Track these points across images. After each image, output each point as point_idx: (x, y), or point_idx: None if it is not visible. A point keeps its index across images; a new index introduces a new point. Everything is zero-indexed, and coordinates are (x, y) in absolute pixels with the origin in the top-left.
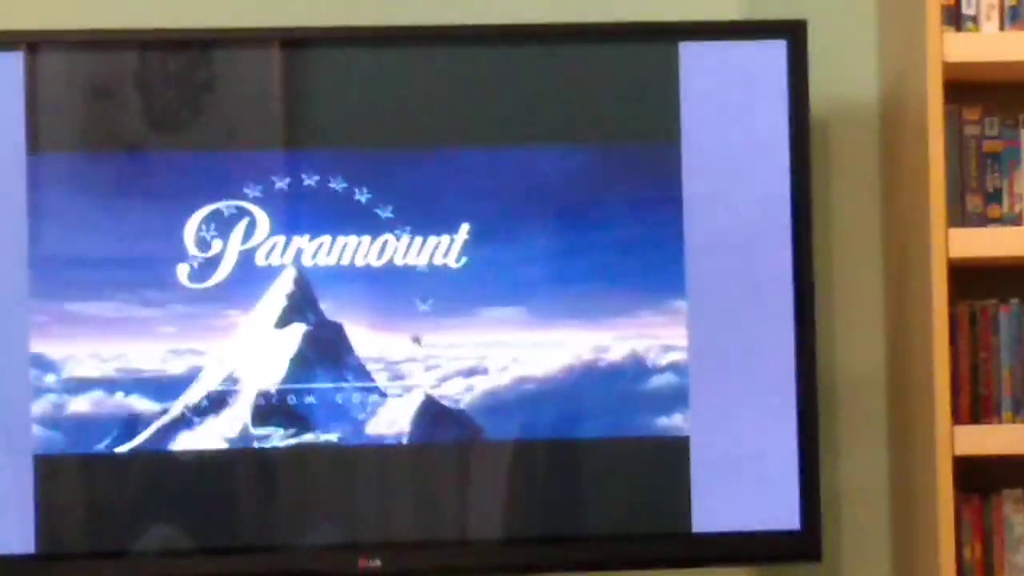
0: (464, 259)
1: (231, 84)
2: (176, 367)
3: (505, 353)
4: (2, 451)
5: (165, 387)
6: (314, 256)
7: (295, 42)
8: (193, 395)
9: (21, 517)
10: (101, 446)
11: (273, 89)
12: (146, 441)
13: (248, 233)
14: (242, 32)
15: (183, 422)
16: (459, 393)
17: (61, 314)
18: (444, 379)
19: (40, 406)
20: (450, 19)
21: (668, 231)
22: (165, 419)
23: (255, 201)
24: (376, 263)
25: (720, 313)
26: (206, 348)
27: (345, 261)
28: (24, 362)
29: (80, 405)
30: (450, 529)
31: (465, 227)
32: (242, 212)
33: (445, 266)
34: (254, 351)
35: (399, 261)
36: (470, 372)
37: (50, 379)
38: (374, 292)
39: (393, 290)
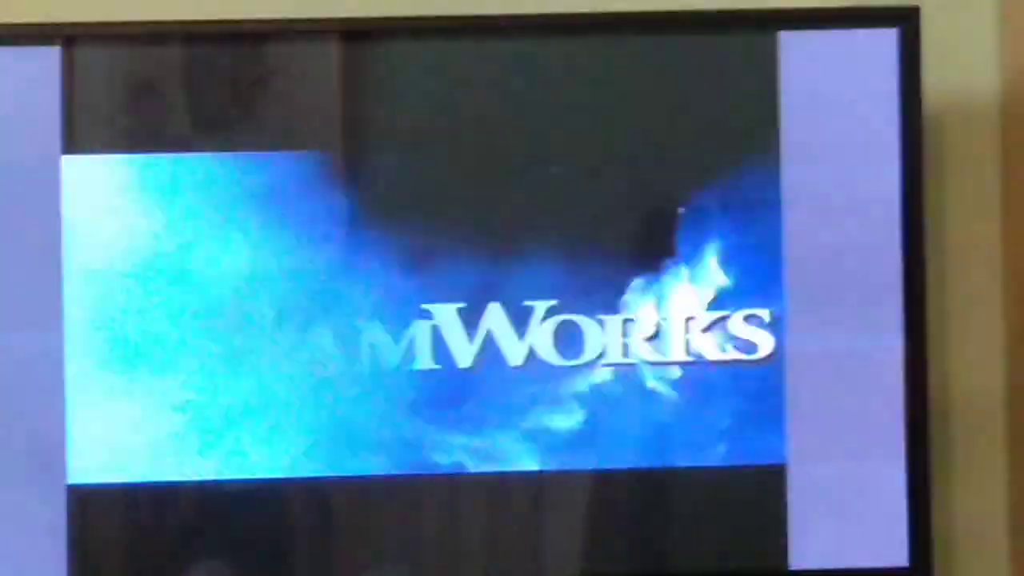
0: None
1: (286, 81)
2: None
3: None
4: (34, 481)
5: (215, 413)
6: None
7: (356, 34)
8: (244, 422)
9: (54, 552)
10: (141, 476)
11: (332, 86)
12: (192, 470)
13: None
14: (298, 24)
15: (234, 450)
16: None
17: (99, 330)
18: None
19: (76, 432)
20: (528, 8)
21: (766, 236)
22: (214, 446)
23: None
24: None
25: (821, 326)
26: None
27: None
28: (59, 384)
29: (119, 431)
30: (523, 567)
31: None
32: None
33: None
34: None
35: None
36: None
37: (87, 402)
38: None
39: None
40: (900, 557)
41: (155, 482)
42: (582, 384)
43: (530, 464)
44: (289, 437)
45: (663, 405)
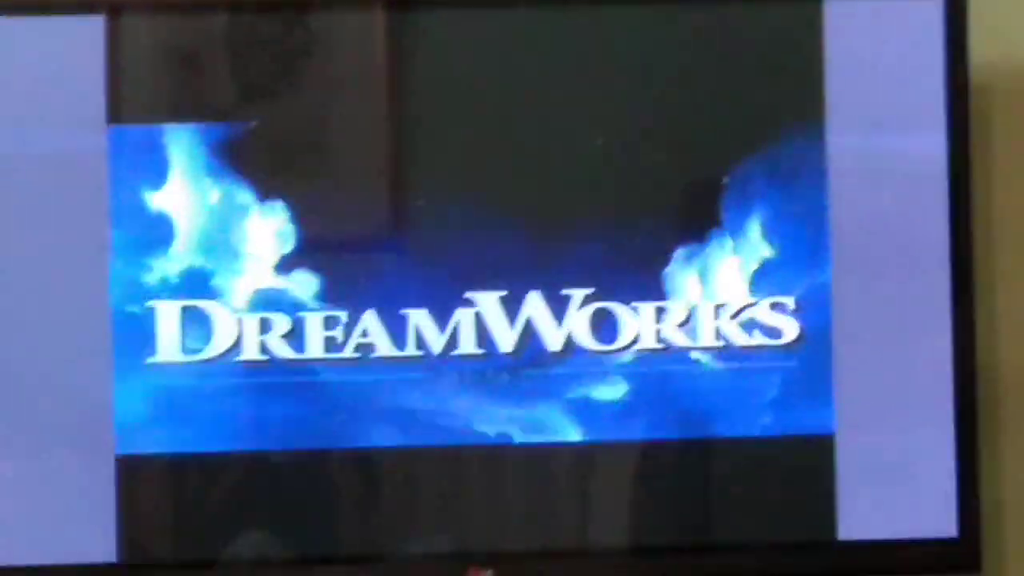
0: None
1: (331, 49)
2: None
3: None
4: (82, 450)
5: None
6: None
7: (400, 2)
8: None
9: (102, 523)
10: (191, 445)
11: (377, 55)
12: (241, 439)
13: None
14: None
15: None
16: None
17: (146, 296)
18: None
19: (123, 400)
20: None
21: (811, 206)
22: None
23: None
24: None
25: (868, 297)
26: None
27: None
28: (105, 352)
29: (169, 398)
30: (569, 537)
31: None
32: None
33: None
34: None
35: None
36: None
37: (134, 370)
38: None
39: None
40: (949, 528)
41: (203, 452)
42: (627, 356)
43: (575, 436)
44: (336, 410)
45: (709, 376)
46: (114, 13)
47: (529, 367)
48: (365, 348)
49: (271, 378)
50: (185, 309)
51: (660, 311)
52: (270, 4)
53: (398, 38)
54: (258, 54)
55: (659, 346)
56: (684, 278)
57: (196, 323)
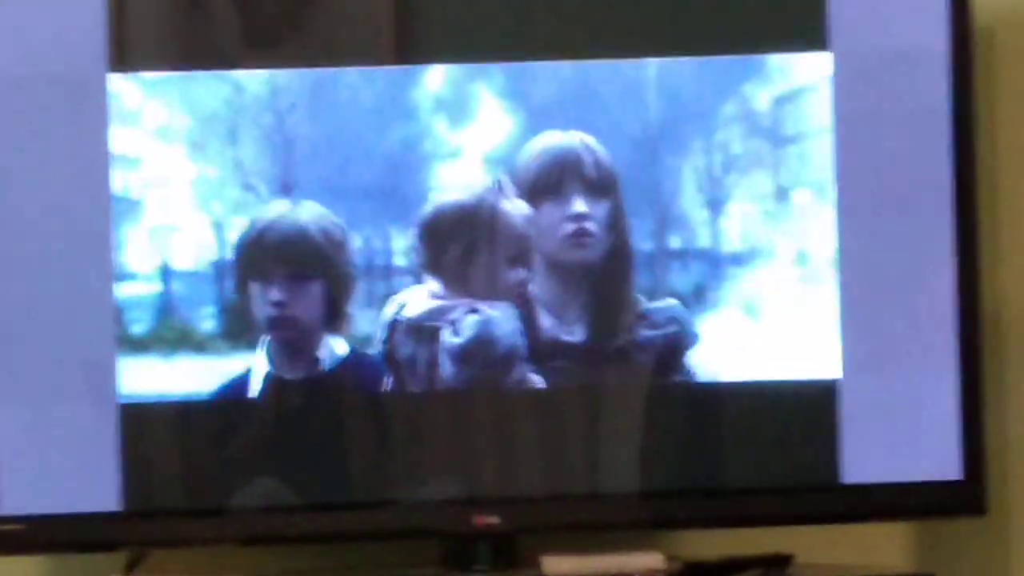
0: None
1: None
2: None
3: None
4: (83, 398)
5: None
6: None
7: None
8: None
9: (105, 471)
10: (194, 392)
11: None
12: (245, 387)
13: None
14: None
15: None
16: None
17: (149, 241)
18: None
19: (125, 346)
20: None
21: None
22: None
23: None
24: None
25: (872, 241)
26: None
27: None
28: (109, 301)
29: (171, 345)
30: (575, 482)
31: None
32: None
33: None
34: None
35: None
36: None
37: (137, 317)
38: None
39: None
40: (953, 470)
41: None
42: None
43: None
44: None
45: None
46: None
47: None
48: None
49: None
50: None
51: None
52: None
53: None
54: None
55: None
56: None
57: None
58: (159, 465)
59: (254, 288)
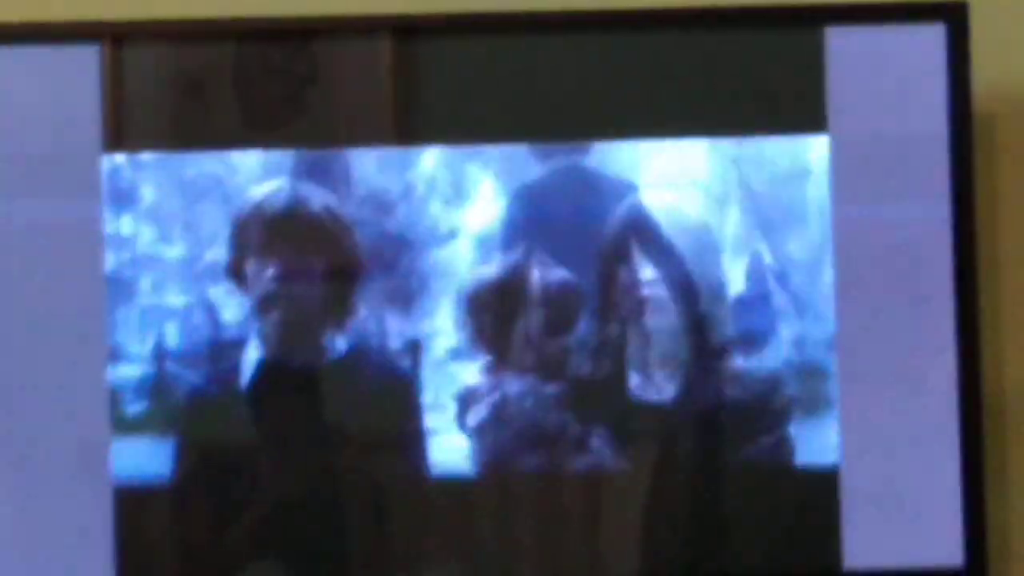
0: None
1: (335, 78)
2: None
3: None
4: (78, 483)
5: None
6: None
7: (407, 31)
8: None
9: (100, 557)
10: (189, 478)
11: (383, 84)
12: (242, 469)
13: None
14: (348, 20)
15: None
16: None
17: (143, 325)
18: None
19: (121, 431)
20: (577, 4)
21: (814, 237)
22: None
23: None
24: None
25: (872, 325)
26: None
27: None
28: (102, 383)
29: (168, 428)
30: (574, 569)
31: None
32: None
33: None
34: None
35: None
36: None
37: (130, 402)
38: None
39: None
40: (955, 556)
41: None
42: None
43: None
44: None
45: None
46: (117, 42)
47: None
48: None
49: None
50: None
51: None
52: (274, 32)
53: (404, 65)
54: (262, 82)
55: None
56: None
57: None
58: (154, 551)
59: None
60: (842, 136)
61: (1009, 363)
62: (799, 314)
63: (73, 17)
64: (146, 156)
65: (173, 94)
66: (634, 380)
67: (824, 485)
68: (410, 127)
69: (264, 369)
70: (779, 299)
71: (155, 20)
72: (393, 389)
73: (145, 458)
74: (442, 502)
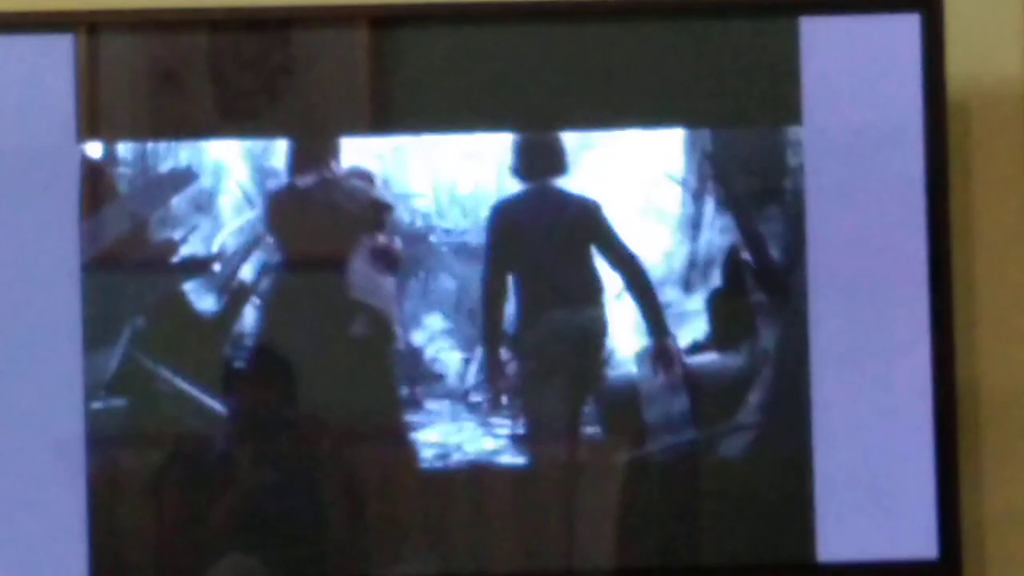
0: None
1: (312, 68)
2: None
3: None
4: (53, 474)
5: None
6: None
7: (384, 21)
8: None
9: (73, 548)
10: (166, 464)
11: (359, 73)
12: (217, 459)
13: None
14: (325, 10)
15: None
16: None
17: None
18: None
19: (96, 421)
20: None
21: (789, 226)
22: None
23: None
24: None
25: (846, 317)
26: None
27: None
28: (77, 374)
29: (142, 420)
30: (551, 559)
31: None
32: None
33: None
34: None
35: None
36: None
37: (105, 391)
38: None
39: None
40: (930, 549)
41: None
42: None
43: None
44: None
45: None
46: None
47: None
48: None
49: None
50: None
51: None
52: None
53: (380, 55)
54: (237, 72)
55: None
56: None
57: None
58: (129, 541)
59: None
60: (817, 125)
61: (983, 355)
62: (773, 305)
63: (48, 6)
64: (121, 146)
65: (149, 84)
66: (609, 372)
67: (799, 478)
68: (386, 116)
69: (241, 356)
70: (753, 290)
71: (131, 9)
72: (371, 377)
73: (119, 447)
74: (419, 492)
